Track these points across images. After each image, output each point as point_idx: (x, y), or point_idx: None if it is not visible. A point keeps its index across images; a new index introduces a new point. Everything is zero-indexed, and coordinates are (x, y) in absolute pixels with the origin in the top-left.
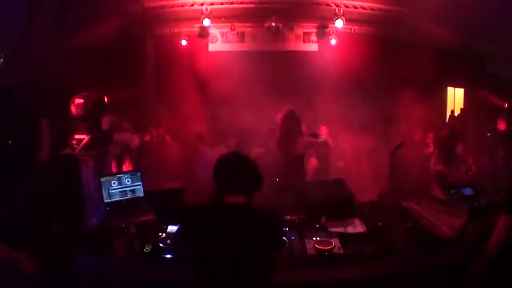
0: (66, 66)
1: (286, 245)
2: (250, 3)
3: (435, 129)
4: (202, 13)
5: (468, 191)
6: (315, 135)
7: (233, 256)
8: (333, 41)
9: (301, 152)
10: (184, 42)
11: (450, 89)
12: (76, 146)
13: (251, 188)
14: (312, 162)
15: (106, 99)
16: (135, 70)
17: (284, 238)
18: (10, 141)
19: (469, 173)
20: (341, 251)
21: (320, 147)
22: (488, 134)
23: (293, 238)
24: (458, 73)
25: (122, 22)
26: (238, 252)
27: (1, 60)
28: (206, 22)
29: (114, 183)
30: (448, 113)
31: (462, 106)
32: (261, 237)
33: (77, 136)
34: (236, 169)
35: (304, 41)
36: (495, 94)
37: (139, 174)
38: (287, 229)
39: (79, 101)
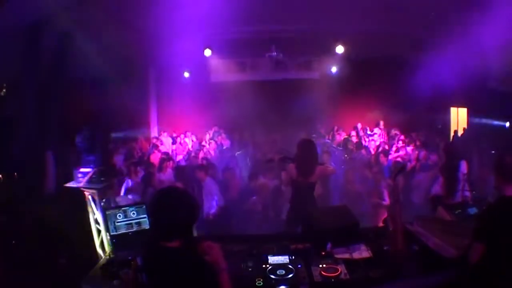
0: (70, 98)
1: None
2: (251, 33)
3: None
4: (204, 44)
5: (473, 211)
6: (323, 164)
7: None
8: (334, 69)
9: (315, 180)
10: (186, 75)
11: (453, 110)
12: (81, 179)
13: (184, 227)
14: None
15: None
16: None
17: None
18: (15, 173)
19: (473, 192)
20: (348, 277)
21: (331, 174)
22: (493, 152)
23: (299, 266)
24: (460, 93)
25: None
26: None
27: (4, 91)
28: (208, 53)
29: (119, 216)
30: (452, 134)
31: (465, 125)
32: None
33: (82, 169)
34: (160, 212)
35: (305, 69)
36: (496, 111)
37: (144, 206)
38: (293, 257)
39: (88, 132)
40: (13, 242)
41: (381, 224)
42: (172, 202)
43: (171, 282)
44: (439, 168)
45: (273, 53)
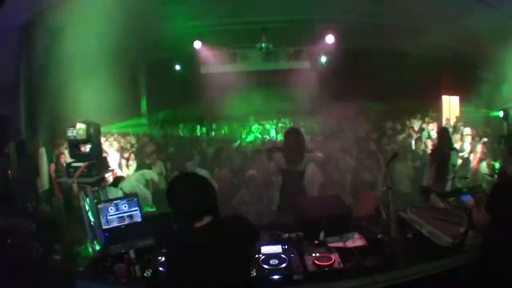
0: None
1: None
2: (241, 24)
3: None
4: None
5: (467, 198)
6: (312, 150)
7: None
8: (323, 58)
9: (303, 168)
10: (177, 67)
11: (445, 98)
12: (73, 173)
13: (211, 207)
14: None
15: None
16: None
17: (255, 229)
18: (9, 171)
19: (467, 179)
20: (341, 266)
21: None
22: (486, 140)
23: (292, 255)
24: (452, 81)
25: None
26: (218, 277)
27: None
28: (197, 44)
29: (111, 209)
30: (444, 122)
31: (457, 114)
32: (237, 246)
33: (74, 164)
34: (190, 197)
35: (295, 59)
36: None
37: (135, 199)
38: (286, 247)
39: (81, 125)
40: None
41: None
42: (196, 182)
43: (225, 251)
44: (431, 152)
45: (263, 44)
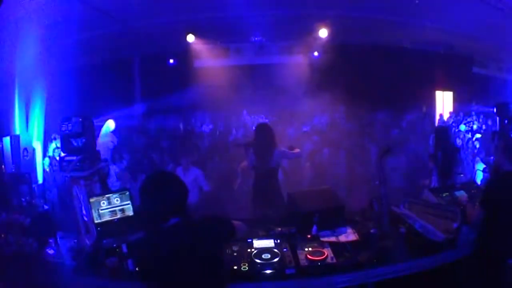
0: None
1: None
2: (234, 18)
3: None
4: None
5: (461, 194)
6: (291, 147)
7: (186, 280)
8: (316, 53)
9: (275, 164)
10: (171, 61)
11: (438, 93)
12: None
13: (178, 207)
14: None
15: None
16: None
17: (228, 224)
18: (3, 166)
19: (461, 175)
20: (334, 260)
21: (294, 158)
22: (480, 135)
23: (285, 249)
24: (445, 77)
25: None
26: (188, 275)
27: None
28: (191, 38)
29: (103, 203)
30: (437, 117)
31: (451, 109)
32: (207, 250)
33: (67, 157)
34: (155, 198)
35: (288, 54)
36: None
37: (127, 193)
38: (278, 241)
39: (78, 119)
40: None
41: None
42: (165, 182)
43: (193, 252)
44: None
45: (256, 38)
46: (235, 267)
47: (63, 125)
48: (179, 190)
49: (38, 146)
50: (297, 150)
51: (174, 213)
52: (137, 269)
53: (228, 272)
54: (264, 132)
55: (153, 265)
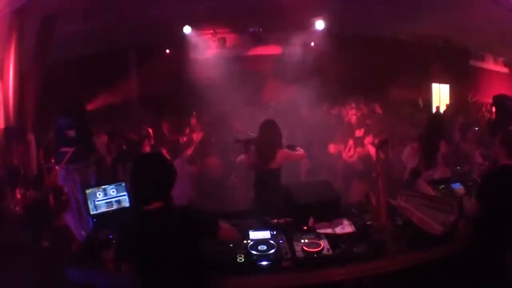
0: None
1: (221, 225)
2: (230, 9)
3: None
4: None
5: (457, 186)
6: (292, 147)
7: (165, 264)
8: (313, 44)
9: (278, 166)
10: (167, 51)
11: (435, 86)
12: (62, 158)
13: (162, 191)
14: (304, 164)
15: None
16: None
17: (212, 221)
18: None
19: (458, 167)
20: (330, 252)
21: (299, 159)
22: (476, 128)
23: (281, 241)
24: (442, 69)
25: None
26: (168, 258)
27: None
28: (187, 29)
29: (99, 194)
30: (434, 110)
31: (447, 102)
32: (186, 236)
33: (62, 149)
34: (141, 179)
35: (285, 45)
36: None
37: (123, 184)
38: (274, 232)
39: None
40: None
41: (363, 199)
42: (152, 164)
43: (169, 238)
44: (419, 137)
45: (253, 29)
46: (231, 259)
47: (60, 118)
48: (166, 173)
49: (32, 138)
50: (300, 151)
51: (158, 196)
52: (116, 247)
53: (209, 268)
54: (266, 130)
55: (131, 246)
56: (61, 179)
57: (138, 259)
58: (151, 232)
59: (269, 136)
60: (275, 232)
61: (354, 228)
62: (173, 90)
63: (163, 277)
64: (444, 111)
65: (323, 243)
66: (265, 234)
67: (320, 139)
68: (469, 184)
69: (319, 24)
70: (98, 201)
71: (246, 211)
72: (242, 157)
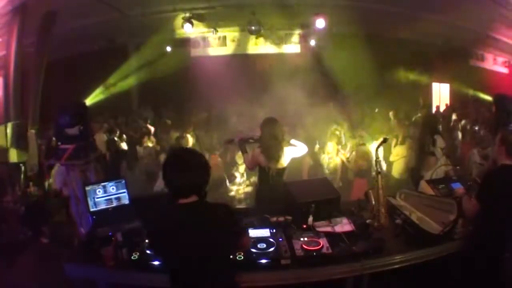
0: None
1: (247, 232)
2: (231, 6)
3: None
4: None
5: (457, 186)
6: (293, 143)
7: (196, 256)
8: (313, 42)
9: (286, 164)
10: (168, 49)
11: (435, 85)
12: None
13: (198, 186)
14: (306, 161)
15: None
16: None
17: (241, 225)
18: None
19: (457, 167)
20: (330, 251)
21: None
22: (476, 128)
23: (280, 239)
24: (442, 69)
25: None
26: (200, 251)
27: None
28: (188, 27)
29: (99, 191)
30: (434, 109)
31: (447, 101)
32: (218, 232)
33: (62, 146)
34: (178, 173)
35: (285, 43)
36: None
37: (123, 181)
38: (274, 230)
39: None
40: None
41: (363, 197)
42: (190, 159)
43: (202, 233)
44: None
45: (253, 27)
46: (231, 256)
47: (59, 114)
48: (203, 169)
49: (33, 135)
50: (302, 146)
51: (194, 190)
52: (149, 242)
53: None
54: (270, 128)
55: (165, 239)
56: (57, 177)
57: (171, 253)
58: (186, 226)
59: (274, 136)
60: (274, 230)
61: (353, 227)
62: (173, 87)
63: (193, 271)
64: (437, 111)
65: (323, 242)
66: (265, 232)
67: (321, 138)
68: (469, 184)
69: (320, 23)
70: (97, 198)
71: (246, 209)
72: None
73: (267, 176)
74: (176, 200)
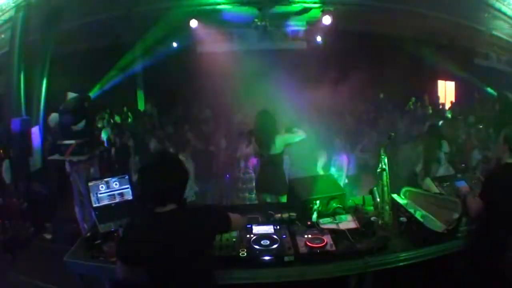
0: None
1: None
2: (238, 3)
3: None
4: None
5: (462, 184)
6: (292, 129)
7: (179, 269)
8: (319, 39)
9: (279, 151)
10: (174, 45)
11: (441, 83)
12: (65, 151)
13: (177, 191)
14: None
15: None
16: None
17: (224, 217)
18: (1, 150)
19: (463, 165)
20: (333, 248)
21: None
22: (480, 126)
23: (284, 236)
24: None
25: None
26: (182, 263)
27: None
28: (194, 23)
29: (102, 187)
30: (440, 107)
31: (453, 99)
32: (203, 237)
33: (66, 141)
34: (158, 178)
35: (292, 39)
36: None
37: (127, 177)
38: (278, 227)
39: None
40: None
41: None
42: (166, 166)
43: (181, 241)
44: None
45: (260, 23)
46: (234, 253)
47: (63, 109)
48: (180, 174)
49: (36, 131)
50: (299, 132)
51: (172, 198)
52: (123, 251)
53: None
54: (262, 119)
55: (143, 249)
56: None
57: (148, 262)
58: (163, 235)
59: (264, 125)
60: (278, 227)
61: (357, 224)
62: (180, 83)
63: (173, 278)
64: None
65: (327, 239)
66: (268, 229)
67: (328, 134)
68: (473, 182)
69: (326, 20)
70: (100, 193)
71: (249, 205)
72: (246, 150)
73: (262, 162)
74: (153, 208)
